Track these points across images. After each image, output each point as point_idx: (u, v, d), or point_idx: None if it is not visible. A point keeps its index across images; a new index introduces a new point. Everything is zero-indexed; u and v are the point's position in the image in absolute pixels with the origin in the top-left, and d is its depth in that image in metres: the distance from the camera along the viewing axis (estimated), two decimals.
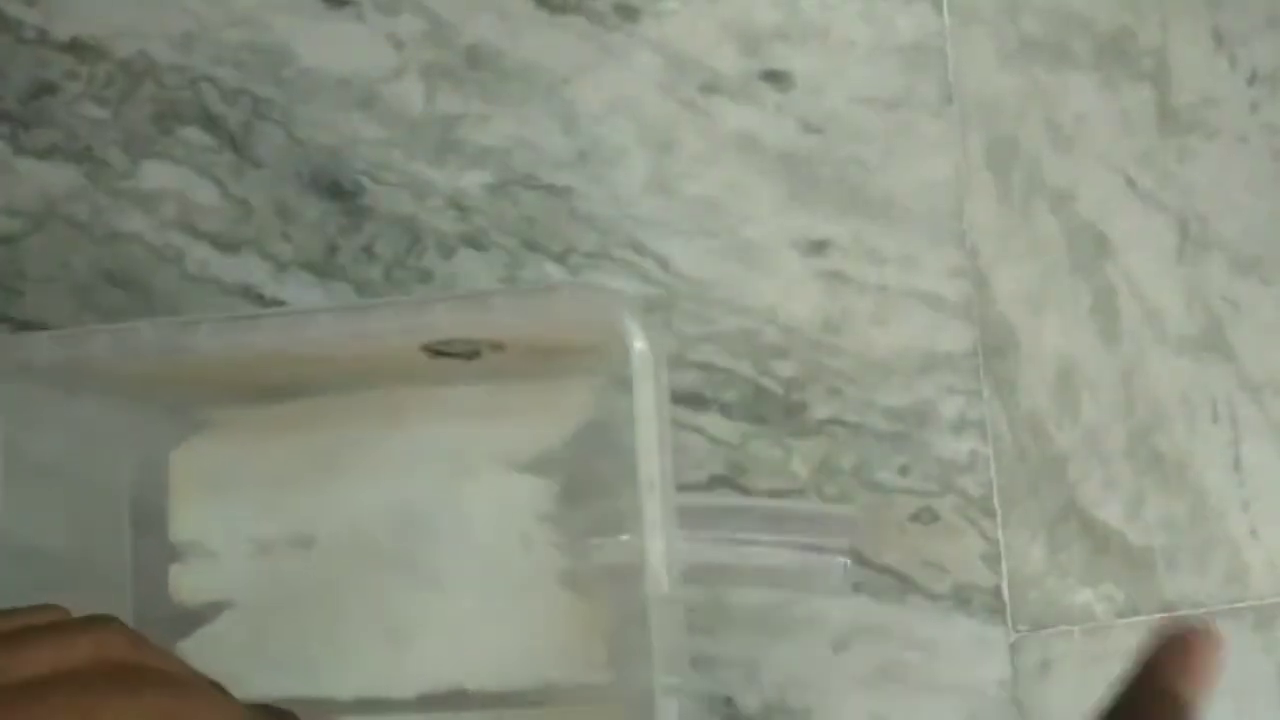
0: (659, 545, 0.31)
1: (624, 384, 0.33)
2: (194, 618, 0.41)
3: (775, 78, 0.52)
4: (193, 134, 0.51)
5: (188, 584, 0.42)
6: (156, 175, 0.51)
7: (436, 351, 0.38)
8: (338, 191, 0.51)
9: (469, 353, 0.38)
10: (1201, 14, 0.54)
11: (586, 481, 0.40)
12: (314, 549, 0.41)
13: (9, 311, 0.50)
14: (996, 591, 0.51)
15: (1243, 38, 0.55)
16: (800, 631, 0.50)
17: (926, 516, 0.51)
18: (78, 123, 0.51)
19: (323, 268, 0.51)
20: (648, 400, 0.31)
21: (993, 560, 0.51)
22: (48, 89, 0.51)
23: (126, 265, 0.50)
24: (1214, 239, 0.54)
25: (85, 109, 0.51)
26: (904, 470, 0.51)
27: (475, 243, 0.51)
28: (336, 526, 0.41)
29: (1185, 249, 0.54)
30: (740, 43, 0.52)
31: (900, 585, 0.50)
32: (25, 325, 0.50)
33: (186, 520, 0.42)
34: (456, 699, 0.38)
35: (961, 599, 0.51)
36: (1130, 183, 0.54)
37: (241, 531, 0.42)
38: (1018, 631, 0.51)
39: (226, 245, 0.51)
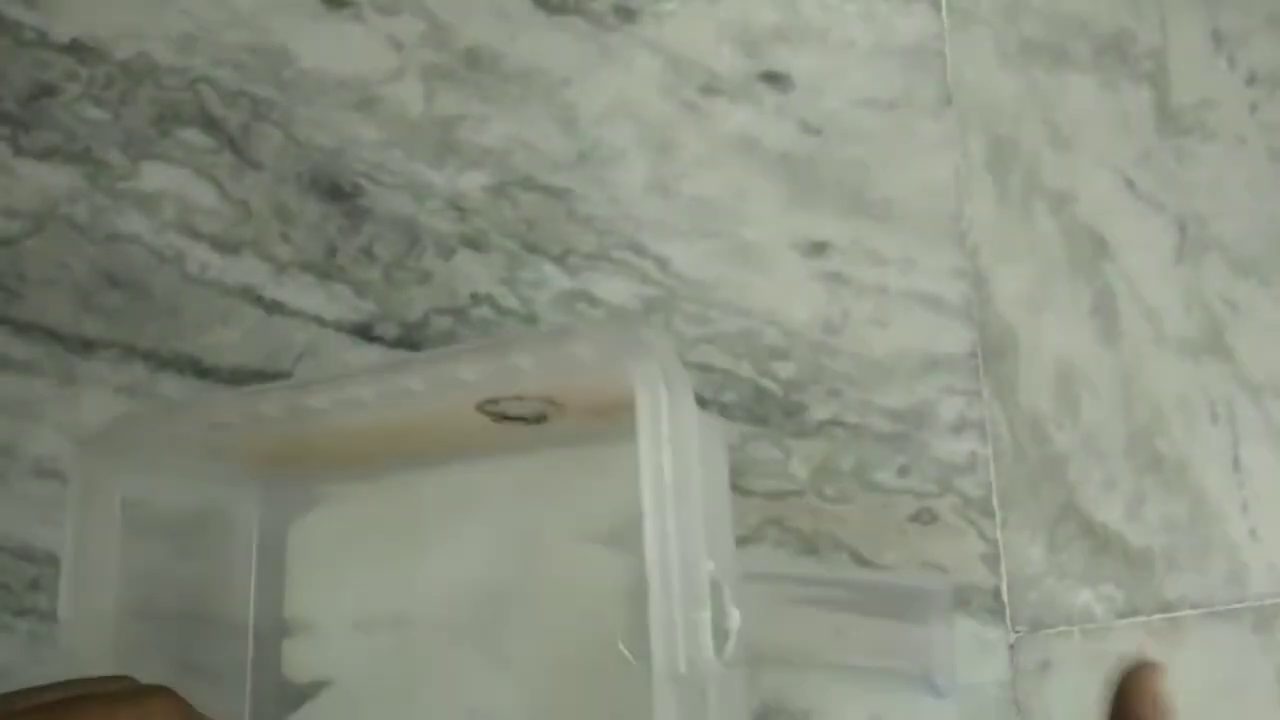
0: (668, 621, 0.28)
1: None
2: (300, 694, 0.42)
3: (775, 79, 0.52)
4: (192, 135, 0.51)
5: (296, 660, 0.42)
6: (156, 177, 0.51)
7: (500, 415, 0.38)
8: (337, 193, 0.51)
9: (535, 416, 0.37)
10: (1201, 15, 0.54)
11: None
12: (404, 628, 0.41)
13: (9, 313, 0.50)
14: (996, 592, 0.51)
15: (1242, 38, 0.55)
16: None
17: (926, 517, 0.51)
18: (77, 124, 0.51)
19: (322, 269, 0.51)
20: (655, 475, 0.28)
21: (992, 561, 0.51)
22: (47, 90, 0.51)
23: (126, 267, 0.50)
24: (1213, 240, 0.54)
25: (85, 110, 0.51)
26: (903, 471, 0.51)
27: (475, 244, 0.51)
28: (425, 605, 0.41)
29: (1184, 250, 0.54)
30: (739, 44, 0.52)
31: None
32: (25, 327, 0.50)
33: (299, 595, 0.43)
34: None
35: (961, 599, 0.51)
36: (1129, 183, 0.54)
37: (344, 608, 0.42)
38: (1017, 632, 0.51)
39: (226, 247, 0.51)
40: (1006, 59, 0.54)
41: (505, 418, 0.38)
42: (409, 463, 0.42)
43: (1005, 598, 0.51)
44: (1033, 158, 0.53)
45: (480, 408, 0.38)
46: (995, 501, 0.51)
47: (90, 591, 0.36)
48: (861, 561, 0.51)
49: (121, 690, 0.28)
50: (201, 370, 0.50)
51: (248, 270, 0.51)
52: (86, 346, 0.50)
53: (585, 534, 0.39)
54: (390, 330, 0.51)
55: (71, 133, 0.51)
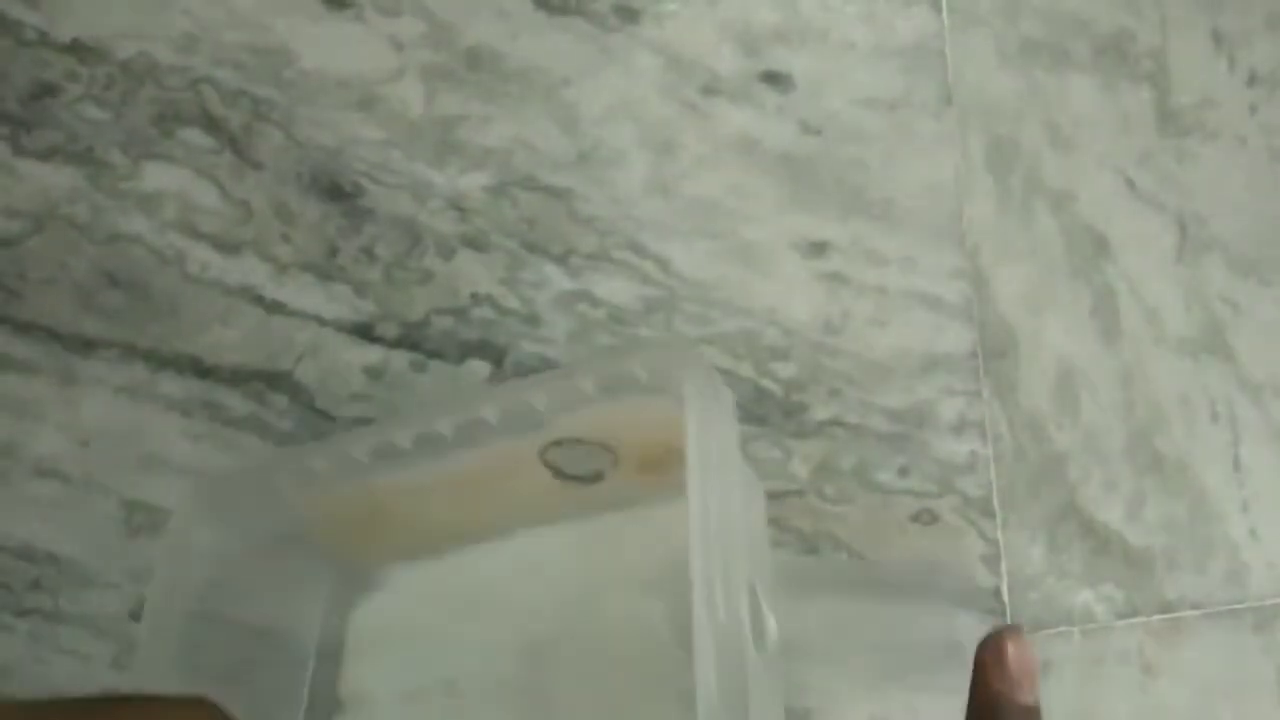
0: (708, 657, 0.30)
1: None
2: None
3: (775, 79, 0.52)
4: (193, 135, 0.51)
5: None
6: (157, 177, 0.51)
7: (560, 472, 0.40)
8: (338, 193, 0.51)
9: (592, 475, 0.40)
10: (1201, 15, 0.55)
11: None
12: (457, 694, 0.42)
13: (9, 313, 0.50)
14: (996, 592, 0.51)
15: (1242, 39, 0.55)
16: None
17: (926, 517, 0.51)
18: (78, 124, 0.51)
19: (323, 269, 0.51)
20: (700, 482, 0.30)
21: (992, 561, 0.51)
22: (49, 90, 0.51)
23: (127, 266, 0.50)
24: (1213, 240, 0.54)
25: (86, 110, 0.51)
26: (904, 471, 0.51)
27: (475, 244, 0.51)
28: (474, 669, 0.42)
29: (1184, 250, 0.54)
30: (740, 44, 0.52)
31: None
32: (25, 326, 0.50)
33: (355, 673, 0.44)
34: None
35: (961, 600, 0.51)
36: (1130, 183, 0.54)
37: (395, 683, 0.43)
38: None
39: (227, 247, 0.51)
40: (1006, 59, 0.54)
41: (564, 475, 0.40)
42: (469, 538, 0.44)
43: (1005, 598, 0.51)
44: (1033, 158, 0.53)
45: (544, 455, 0.39)
46: (995, 501, 0.51)
47: (165, 635, 0.37)
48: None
49: (159, 694, 0.29)
50: (202, 370, 0.50)
51: (248, 270, 0.51)
52: (86, 346, 0.50)
53: (633, 587, 0.41)
54: (390, 330, 0.51)
55: (72, 132, 0.51)
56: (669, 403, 0.34)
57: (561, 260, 0.51)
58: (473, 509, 0.42)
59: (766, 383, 0.51)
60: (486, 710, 0.42)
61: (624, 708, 0.40)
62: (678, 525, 0.36)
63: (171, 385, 0.50)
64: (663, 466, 0.40)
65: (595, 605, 0.41)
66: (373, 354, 0.51)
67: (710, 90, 0.52)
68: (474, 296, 0.51)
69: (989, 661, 0.29)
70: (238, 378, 0.50)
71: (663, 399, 0.35)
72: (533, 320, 0.51)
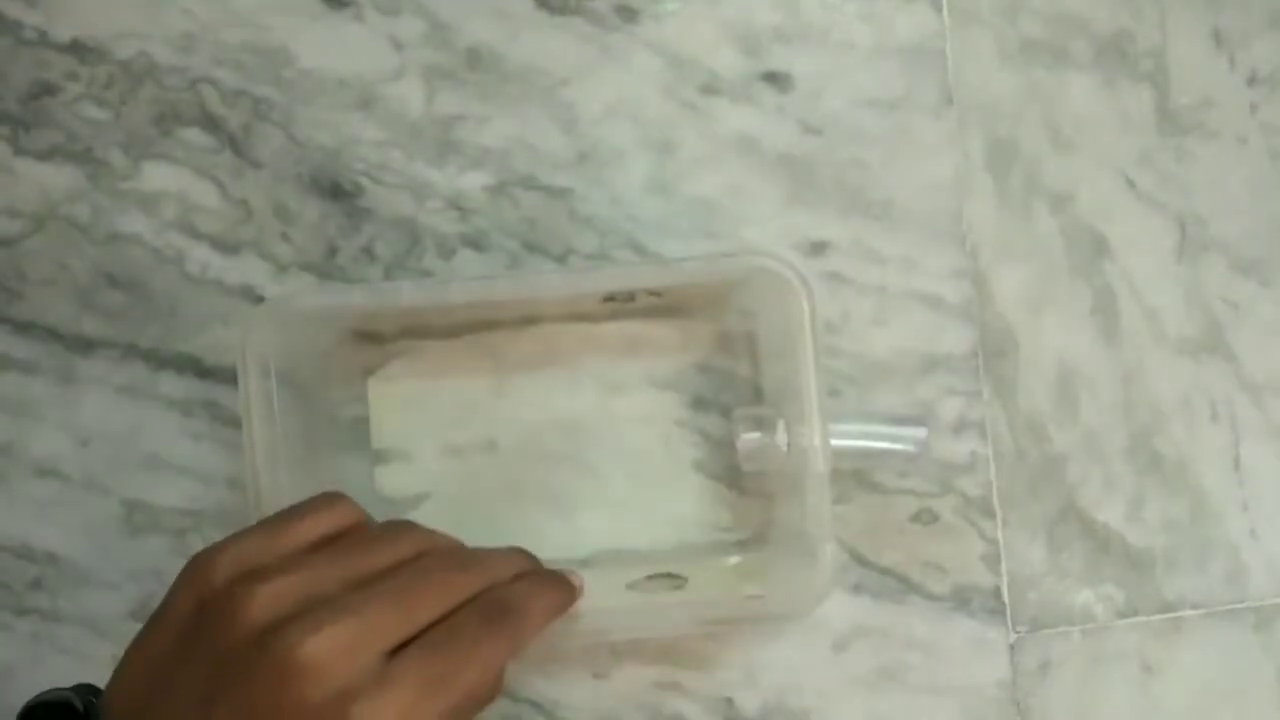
0: (817, 435, 0.43)
1: (741, 321, 0.51)
2: (399, 508, 0.50)
3: (775, 79, 0.52)
4: (193, 135, 0.51)
5: (391, 482, 0.50)
6: (157, 176, 0.51)
7: (606, 297, 0.49)
8: (338, 192, 0.51)
9: (627, 296, 0.49)
10: (1201, 15, 0.55)
11: (711, 395, 0.51)
12: (496, 451, 0.51)
13: (9, 312, 0.50)
14: (996, 592, 0.51)
15: (1242, 38, 0.55)
16: (800, 632, 0.50)
17: (926, 517, 0.51)
18: (78, 124, 0.51)
19: (323, 269, 0.51)
20: (807, 340, 0.43)
21: (992, 561, 0.51)
22: (48, 90, 0.51)
23: (127, 266, 0.50)
24: (1213, 240, 0.54)
25: (85, 110, 0.51)
26: (903, 471, 0.51)
27: (475, 244, 0.51)
28: (513, 434, 0.51)
29: (1184, 250, 0.54)
30: (740, 44, 0.52)
31: (900, 586, 0.51)
32: (25, 326, 0.50)
33: (387, 432, 0.51)
34: (616, 558, 0.50)
35: (961, 600, 0.51)
36: (1130, 183, 0.54)
37: (434, 440, 0.50)
38: (1017, 632, 0.51)
39: (226, 246, 0.51)
40: (1006, 59, 0.54)
41: (606, 298, 0.49)
42: (492, 326, 0.51)
43: (1005, 598, 0.51)
44: (1033, 158, 0.53)
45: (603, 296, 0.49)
46: (995, 501, 0.51)
47: (264, 436, 0.43)
48: (862, 561, 0.51)
49: (299, 503, 0.36)
50: (202, 370, 0.50)
51: (248, 270, 0.51)
52: (86, 346, 0.50)
53: (651, 382, 0.51)
54: None
55: (72, 132, 0.51)
56: (733, 266, 0.46)
57: (561, 260, 0.51)
58: (505, 307, 0.50)
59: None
60: (530, 470, 0.50)
61: (654, 478, 0.51)
62: (685, 339, 0.51)
63: (171, 385, 0.50)
64: (684, 300, 0.51)
65: (618, 395, 0.51)
66: None
67: (710, 90, 0.52)
68: None
69: None
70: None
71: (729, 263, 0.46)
72: None
